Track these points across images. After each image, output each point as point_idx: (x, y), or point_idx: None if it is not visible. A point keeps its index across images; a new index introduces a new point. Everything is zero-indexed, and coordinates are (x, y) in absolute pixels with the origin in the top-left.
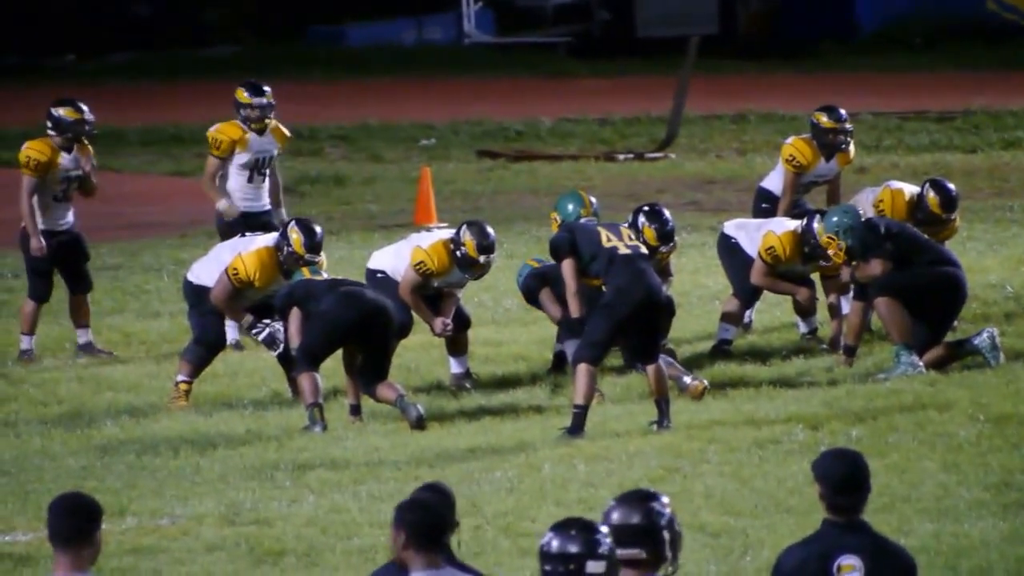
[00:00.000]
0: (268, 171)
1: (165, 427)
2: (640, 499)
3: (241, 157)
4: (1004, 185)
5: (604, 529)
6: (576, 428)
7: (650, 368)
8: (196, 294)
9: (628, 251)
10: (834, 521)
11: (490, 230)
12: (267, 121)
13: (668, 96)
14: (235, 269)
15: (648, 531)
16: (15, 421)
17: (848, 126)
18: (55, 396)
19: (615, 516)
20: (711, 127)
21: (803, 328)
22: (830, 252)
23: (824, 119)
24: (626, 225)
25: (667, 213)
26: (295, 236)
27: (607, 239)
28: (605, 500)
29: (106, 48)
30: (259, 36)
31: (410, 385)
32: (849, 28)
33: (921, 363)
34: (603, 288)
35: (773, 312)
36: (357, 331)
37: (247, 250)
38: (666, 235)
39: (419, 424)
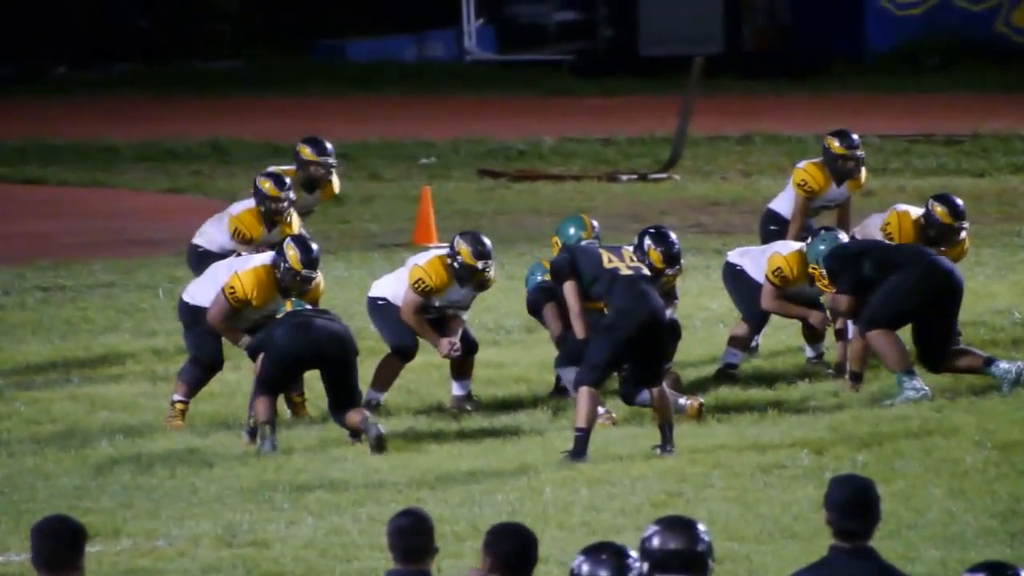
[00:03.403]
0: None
1: (161, 447)
2: (686, 525)
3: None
4: (1012, 210)
5: (634, 554)
6: (578, 452)
7: (654, 391)
8: (192, 314)
9: (630, 272)
10: (841, 547)
11: (485, 238)
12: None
13: (672, 116)
14: (232, 288)
15: (697, 558)
16: (8, 440)
17: (859, 152)
18: (49, 415)
19: (659, 541)
20: (716, 148)
21: (809, 353)
22: (816, 282)
23: (836, 145)
24: (630, 248)
25: (673, 236)
26: (291, 252)
27: (608, 260)
28: (608, 524)
29: (103, 60)
30: (258, 50)
31: (410, 407)
32: (858, 49)
33: (925, 387)
34: (605, 311)
35: (779, 336)
36: (310, 360)
37: (243, 268)
38: (672, 257)
39: (379, 444)
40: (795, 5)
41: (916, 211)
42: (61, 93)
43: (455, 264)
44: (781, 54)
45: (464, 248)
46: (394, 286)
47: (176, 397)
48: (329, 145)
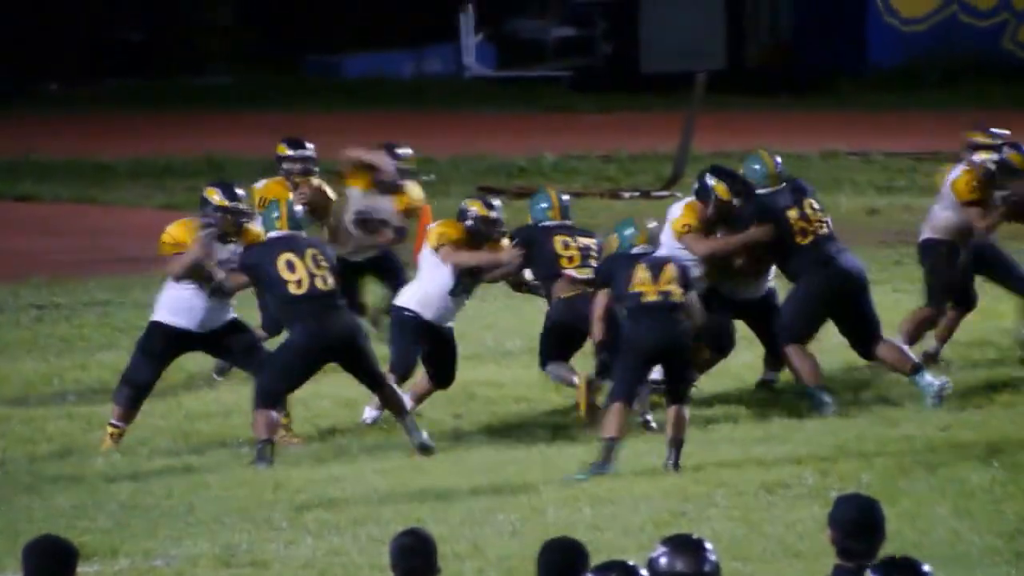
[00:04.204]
0: None
1: (158, 466)
2: (694, 546)
3: None
4: (1019, 229)
5: (645, 573)
6: (606, 462)
7: (671, 409)
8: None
9: (656, 299)
10: (845, 567)
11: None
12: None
13: (674, 133)
14: (164, 240)
15: None
16: (3, 459)
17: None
18: (44, 434)
19: (667, 562)
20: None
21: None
22: None
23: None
24: (674, 267)
25: (735, 171)
26: (215, 196)
27: (640, 282)
28: (610, 544)
29: (95, 75)
30: (253, 65)
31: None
32: (863, 65)
33: (830, 400)
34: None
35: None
36: (325, 353)
37: (170, 225)
38: (739, 190)
39: (423, 450)
40: (798, 21)
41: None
42: (54, 109)
43: (469, 221)
44: (784, 70)
45: (473, 201)
46: (418, 289)
47: (111, 420)
48: (309, 145)
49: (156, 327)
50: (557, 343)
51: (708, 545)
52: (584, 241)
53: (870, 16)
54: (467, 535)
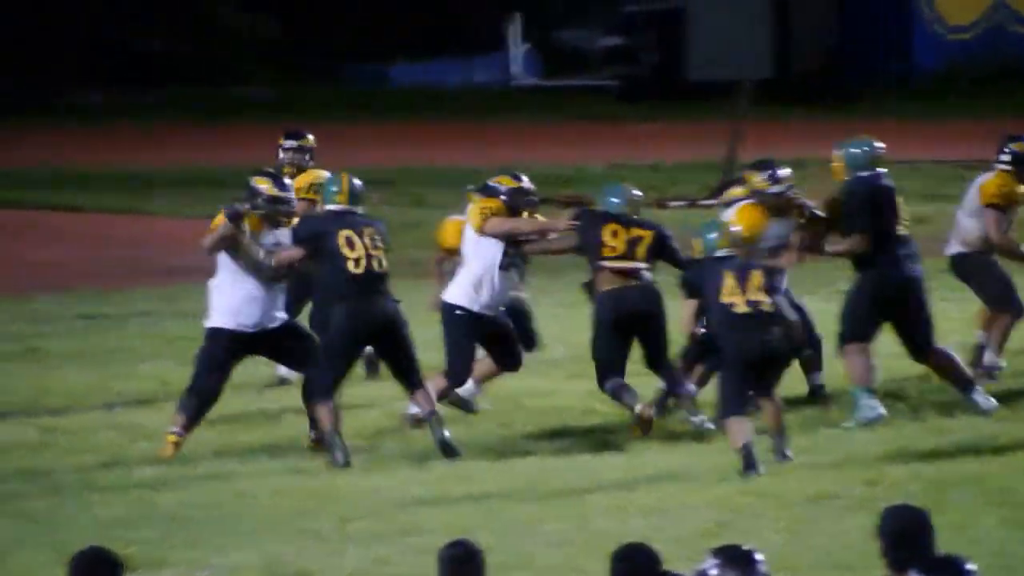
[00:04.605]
0: None
1: (203, 476)
2: (744, 558)
3: None
4: None
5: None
6: (749, 465)
7: (764, 402)
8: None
9: (746, 309)
10: None
11: None
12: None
13: (721, 141)
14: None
15: None
16: (49, 470)
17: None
18: (90, 445)
19: (718, 574)
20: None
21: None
22: None
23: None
24: (760, 269)
25: (773, 162)
26: (263, 185)
27: (729, 292)
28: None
29: (138, 86)
30: (298, 75)
31: (455, 436)
32: (908, 73)
33: (875, 406)
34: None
35: (834, 365)
36: (365, 339)
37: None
38: (777, 178)
39: (445, 450)
40: (844, 29)
41: None
42: (97, 120)
43: (502, 197)
44: (830, 78)
45: (502, 178)
46: (465, 277)
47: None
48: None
49: (214, 333)
50: (607, 346)
51: (758, 556)
52: (636, 232)
53: (916, 24)
54: (514, 545)
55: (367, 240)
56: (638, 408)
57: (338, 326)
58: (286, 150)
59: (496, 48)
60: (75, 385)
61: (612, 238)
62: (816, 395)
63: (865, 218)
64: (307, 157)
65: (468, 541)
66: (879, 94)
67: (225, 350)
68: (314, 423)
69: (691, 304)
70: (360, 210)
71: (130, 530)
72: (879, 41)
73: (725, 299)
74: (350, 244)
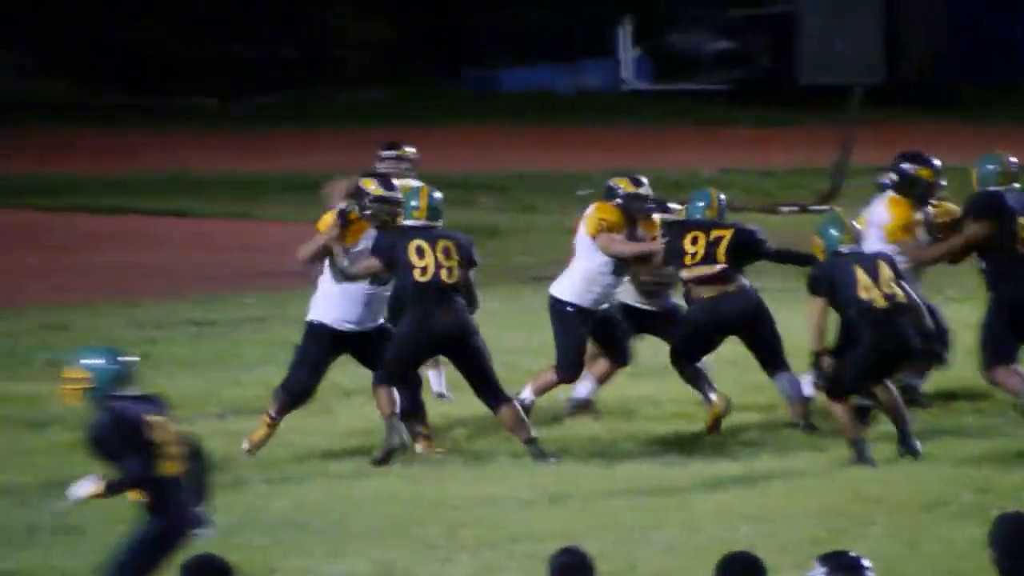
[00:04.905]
0: None
1: (313, 483)
2: (855, 565)
3: None
4: None
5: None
6: (860, 456)
7: (882, 394)
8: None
9: (886, 304)
10: None
11: None
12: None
13: (832, 146)
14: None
15: None
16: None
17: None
18: None
19: None
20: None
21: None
22: None
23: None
24: (887, 261)
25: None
26: (371, 186)
27: (865, 289)
28: (768, 562)
29: (250, 91)
30: (408, 80)
31: (561, 443)
32: (1019, 74)
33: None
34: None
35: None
36: (429, 347)
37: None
38: (938, 170)
39: (536, 453)
40: (952, 32)
41: None
42: (209, 125)
43: (618, 200)
44: (940, 82)
45: (621, 180)
46: (576, 271)
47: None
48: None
49: (313, 329)
50: (692, 341)
51: (866, 563)
52: (715, 234)
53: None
54: (623, 552)
55: (439, 252)
56: (715, 398)
57: (403, 332)
58: (383, 159)
59: (606, 53)
60: (186, 391)
61: (692, 245)
62: (914, 397)
63: (978, 229)
64: (405, 167)
65: (578, 547)
66: (988, 96)
67: (322, 347)
68: (412, 431)
69: (820, 302)
70: (439, 224)
71: (239, 537)
72: (988, 43)
73: (862, 294)
74: (420, 253)
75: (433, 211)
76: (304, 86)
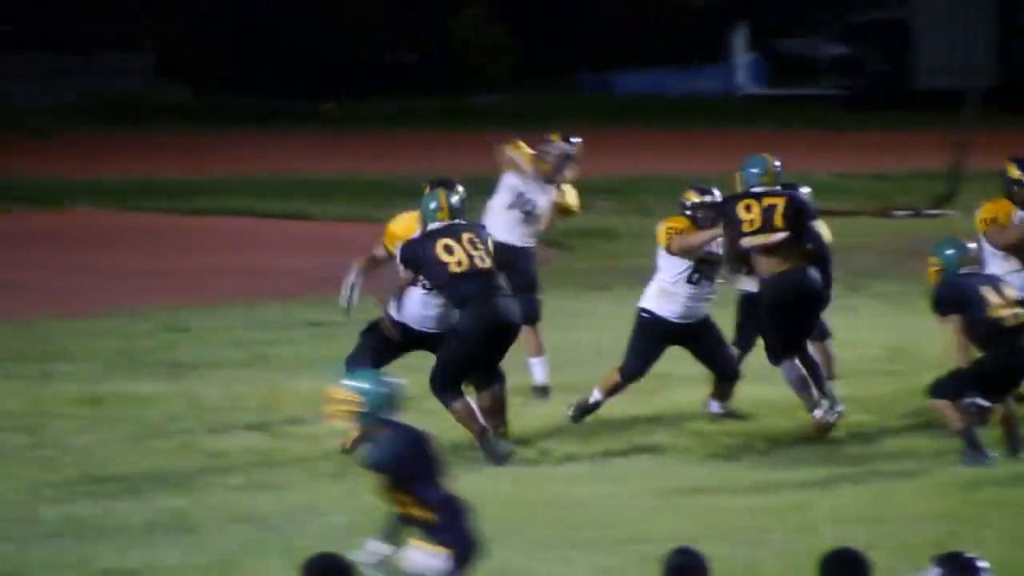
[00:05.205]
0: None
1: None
2: (971, 567)
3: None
4: None
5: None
6: (971, 449)
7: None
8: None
9: (1016, 322)
10: None
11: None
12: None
13: (947, 150)
14: (386, 231)
15: None
16: (279, 476)
17: None
18: (320, 451)
19: None
20: (994, 184)
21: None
22: None
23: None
24: (1011, 278)
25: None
26: (440, 192)
27: (995, 309)
28: (883, 564)
29: (370, 94)
30: (526, 83)
31: (689, 449)
32: None
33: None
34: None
35: None
36: (487, 344)
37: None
38: None
39: (501, 462)
40: None
41: None
42: (330, 128)
43: (687, 212)
44: None
45: (688, 192)
46: (656, 284)
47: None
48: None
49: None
50: (777, 326)
51: (982, 564)
52: (768, 201)
53: None
54: (740, 554)
55: (465, 243)
56: (817, 414)
57: (463, 328)
58: (554, 152)
59: (719, 58)
60: (304, 393)
61: (746, 212)
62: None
63: None
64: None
65: (694, 549)
66: None
67: (384, 341)
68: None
69: (956, 320)
70: (461, 221)
71: (359, 537)
72: None
73: (994, 314)
74: (448, 250)
75: (453, 211)
76: (422, 91)
